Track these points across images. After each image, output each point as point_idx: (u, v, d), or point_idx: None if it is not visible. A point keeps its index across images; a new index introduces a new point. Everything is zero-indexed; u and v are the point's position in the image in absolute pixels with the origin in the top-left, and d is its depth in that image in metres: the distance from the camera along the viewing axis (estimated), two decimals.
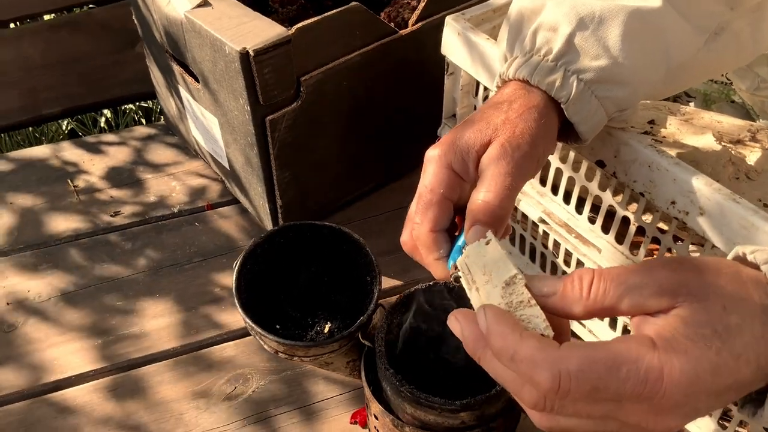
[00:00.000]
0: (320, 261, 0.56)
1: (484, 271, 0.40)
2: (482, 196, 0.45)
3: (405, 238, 0.48)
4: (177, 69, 0.85)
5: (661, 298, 0.35)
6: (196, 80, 0.81)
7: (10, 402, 0.71)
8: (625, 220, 0.61)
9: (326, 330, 0.53)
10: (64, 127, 1.83)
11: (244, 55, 0.68)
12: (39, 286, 0.82)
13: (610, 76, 0.49)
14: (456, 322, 0.39)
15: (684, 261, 0.36)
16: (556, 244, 0.70)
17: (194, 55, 0.77)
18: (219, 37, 0.70)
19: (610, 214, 0.62)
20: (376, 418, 0.49)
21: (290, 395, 0.71)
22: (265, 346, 0.51)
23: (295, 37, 0.70)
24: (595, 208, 0.64)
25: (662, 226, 0.62)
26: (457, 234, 0.48)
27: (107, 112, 1.84)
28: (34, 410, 0.70)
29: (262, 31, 0.70)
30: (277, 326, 0.52)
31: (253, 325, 0.49)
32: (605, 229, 0.64)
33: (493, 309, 0.38)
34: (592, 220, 0.65)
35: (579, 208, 0.66)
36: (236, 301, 0.50)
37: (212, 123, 0.83)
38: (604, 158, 0.58)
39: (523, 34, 0.52)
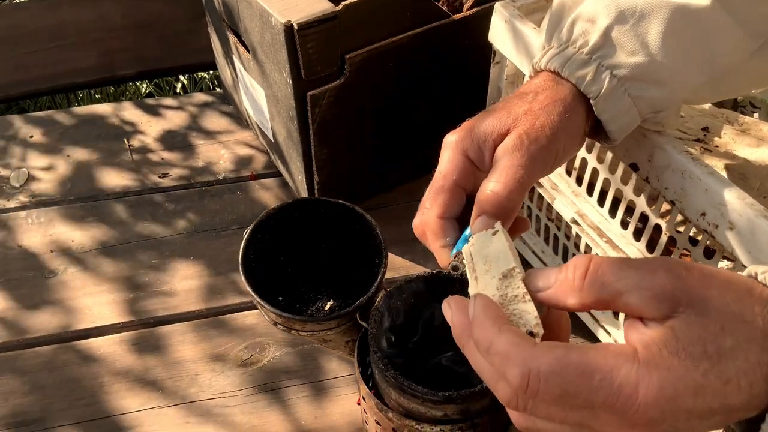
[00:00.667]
0: (331, 239, 0.56)
1: (485, 261, 0.39)
2: (491, 186, 0.43)
3: (416, 222, 0.48)
4: (232, 38, 0.86)
5: (659, 304, 0.33)
6: (248, 50, 0.82)
7: (40, 344, 0.74)
8: (658, 228, 0.58)
9: (327, 307, 0.52)
10: (142, 91, 1.90)
11: (288, 28, 0.68)
12: (83, 237, 0.86)
13: (646, 74, 0.47)
14: (448, 308, 0.38)
15: (692, 268, 0.34)
16: (588, 248, 0.67)
17: (246, 25, 0.78)
18: (267, 9, 0.70)
19: (644, 220, 0.59)
20: (364, 400, 0.49)
21: (303, 369, 0.71)
22: (265, 316, 0.51)
23: (341, 14, 0.70)
24: (630, 212, 0.61)
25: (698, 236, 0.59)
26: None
27: (183, 78, 1.89)
28: (61, 355, 0.73)
29: (309, 5, 0.70)
30: (280, 298, 0.52)
31: (254, 294, 0.49)
32: (637, 235, 0.61)
33: (483, 299, 0.37)
34: (624, 226, 0.62)
35: (612, 212, 0.63)
36: (241, 268, 0.50)
37: (260, 94, 0.84)
38: (638, 161, 0.55)
39: (562, 25, 0.50)
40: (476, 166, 0.46)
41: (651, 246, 0.60)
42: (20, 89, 1.42)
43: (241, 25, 0.80)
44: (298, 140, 0.78)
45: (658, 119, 0.50)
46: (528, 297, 0.37)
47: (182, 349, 0.74)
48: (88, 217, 0.88)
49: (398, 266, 0.81)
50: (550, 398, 0.33)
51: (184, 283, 0.80)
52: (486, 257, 0.39)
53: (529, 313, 0.36)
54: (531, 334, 0.36)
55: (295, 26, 0.68)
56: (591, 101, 0.47)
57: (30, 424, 0.67)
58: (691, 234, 0.57)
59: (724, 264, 0.62)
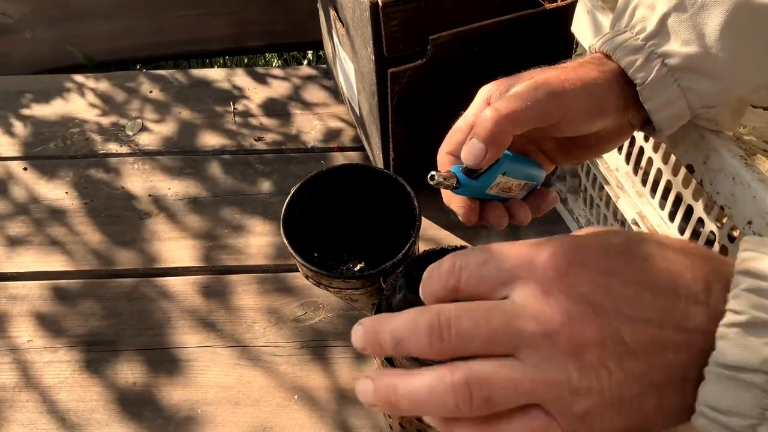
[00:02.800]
0: (374, 206, 0.58)
1: None
2: (485, 111, 0.43)
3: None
4: (332, 14, 0.90)
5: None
6: (343, 25, 0.85)
7: (124, 276, 0.82)
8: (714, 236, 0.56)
9: (357, 268, 0.55)
10: (273, 64, 1.99)
11: (373, 5, 0.71)
12: (178, 186, 0.93)
13: (698, 65, 0.45)
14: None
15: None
16: None
17: (342, 0, 0.81)
18: None
19: (702, 226, 0.57)
20: (375, 358, 0.51)
21: (350, 333, 0.74)
22: (299, 269, 0.54)
23: None
24: (688, 217, 0.59)
25: None
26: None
27: (311, 55, 1.97)
28: (140, 288, 0.80)
29: None
30: (315, 254, 0.55)
31: (288, 245, 0.52)
32: (693, 241, 0.59)
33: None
34: (682, 231, 0.60)
35: (673, 216, 0.61)
36: (281, 221, 0.54)
37: (350, 69, 0.87)
38: (694, 163, 0.53)
39: (626, 10, 0.50)
40: None
41: None
42: (156, 51, 1.54)
43: (339, 0, 0.83)
44: (378, 116, 0.81)
45: (710, 115, 0.48)
46: None
47: (245, 298, 0.79)
48: (186, 169, 0.96)
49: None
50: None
51: (257, 238, 0.86)
52: None
53: None
54: None
55: (380, 3, 0.70)
56: (637, 88, 0.46)
57: (101, 345, 0.75)
58: None
59: None
